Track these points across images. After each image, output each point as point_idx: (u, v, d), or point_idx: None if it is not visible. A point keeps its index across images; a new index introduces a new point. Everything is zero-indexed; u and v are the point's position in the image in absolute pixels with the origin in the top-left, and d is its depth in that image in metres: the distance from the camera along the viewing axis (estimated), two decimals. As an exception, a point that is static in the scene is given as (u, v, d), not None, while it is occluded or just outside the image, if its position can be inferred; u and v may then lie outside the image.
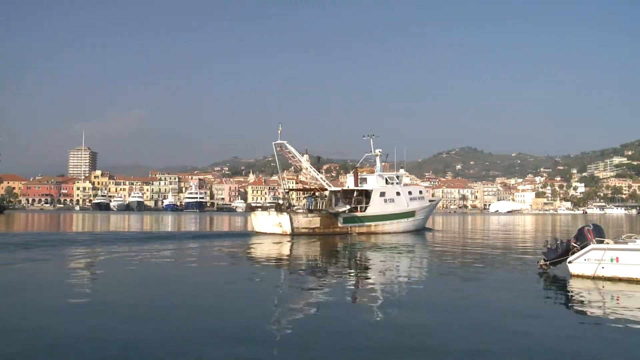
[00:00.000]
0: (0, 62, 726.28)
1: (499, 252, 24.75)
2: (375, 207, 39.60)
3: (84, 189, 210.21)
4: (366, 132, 44.51)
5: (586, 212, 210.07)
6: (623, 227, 61.10)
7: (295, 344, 8.15)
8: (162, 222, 65.64)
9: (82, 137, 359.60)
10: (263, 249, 26.33)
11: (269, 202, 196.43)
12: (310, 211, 37.73)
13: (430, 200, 48.32)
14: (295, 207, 39.10)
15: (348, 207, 38.41)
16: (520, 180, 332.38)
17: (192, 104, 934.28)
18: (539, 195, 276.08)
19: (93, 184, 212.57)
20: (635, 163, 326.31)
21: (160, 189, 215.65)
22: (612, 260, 14.15)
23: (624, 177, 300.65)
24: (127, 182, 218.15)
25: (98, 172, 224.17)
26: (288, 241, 30.52)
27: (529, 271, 16.68)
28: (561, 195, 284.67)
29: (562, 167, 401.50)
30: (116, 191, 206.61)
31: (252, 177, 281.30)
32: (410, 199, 42.34)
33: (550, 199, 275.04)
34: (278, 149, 40.61)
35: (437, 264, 20.21)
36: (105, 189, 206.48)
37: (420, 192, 45.47)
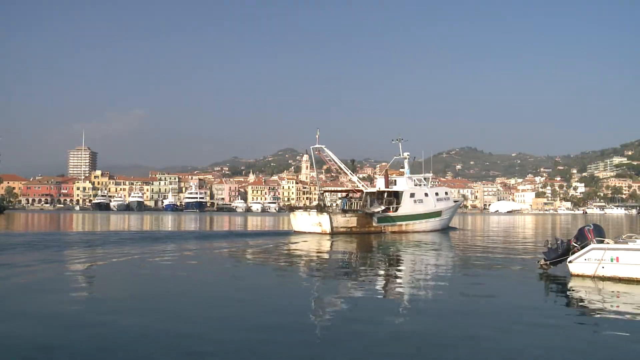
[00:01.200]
0: (1, 62, 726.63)
1: (509, 251, 24.96)
2: (406, 207, 41.87)
3: (84, 189, 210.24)
4: (394, 137, 46.93)
5: (586, 212, 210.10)
6: (623, 227, 61.11)
7: (329, 334, 8.86)
8: (168, 222, 65.65)
9: (82, 137, 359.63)
10: (309, 246, 27.96)
11: (268, 202, 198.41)
12: (345, 211, 39.90)
13: (454, 201, 50.61)
14: (331, 208, 41.60)
15: (382, 207, 40.53)
16: (520, 180, 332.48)
17: (192, 104, 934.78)
18: (539, 195, 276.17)
19: (93, 184, 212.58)
20: (635, 163, 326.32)
21: (160, 189, 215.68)
22: (612, 260, 14.14)
23: (624, 177, 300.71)
24: (127, 182, 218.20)
25: (98, 172, 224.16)
26: (328, 240, 32.49)
27: (529, 271, 16.70)
28: (561, 195, 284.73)
29: (562, 167, 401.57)
30: (116, 191, 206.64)
31: (252, 177, 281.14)
32: (437, 199, 44.65)
33: (550, 199, 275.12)
34: (316, 152, 42.81)
35: (446, 265, 20.30)
36: (105, 189, 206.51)
37: (446, 193, 48.05)
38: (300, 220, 40.04)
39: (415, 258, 22.38)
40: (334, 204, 46.59)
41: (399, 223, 41.25)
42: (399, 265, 19.90)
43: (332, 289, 13.82)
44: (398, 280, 15.77)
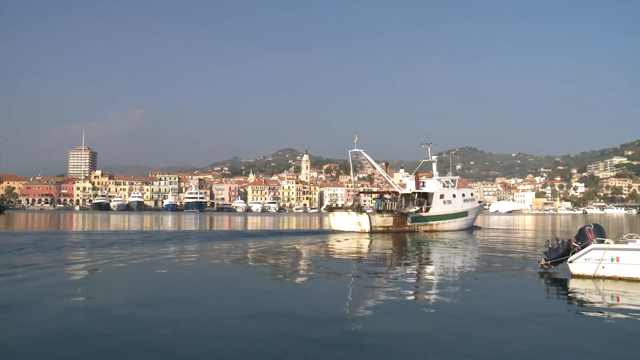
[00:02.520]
0: (1, 62, 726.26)
1: (527, 250, 25.55)
2: (437, 207, 44.27)
3: (84, 189, 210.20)
4: (423, 140, 50.39)
5: (586, 212, 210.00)
6: (623, 227, 61.09)
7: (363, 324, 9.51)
8: (169, 222, 65.62)
9: (82, 137, 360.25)
10: (353, 244, 29.48)
11: (268, 202, 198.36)
12: (379, 211, 42.23)
13: (478, 202, 52.45)
14: (364, 208, 43.97)
15: (417, 208, 43.00)
16: (520, 180, 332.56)
17: (192, 104, 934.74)
18: (539, 195, 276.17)
19: (93, 184, 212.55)
20: (635, 163, 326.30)
21: (160, 189, 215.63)
22: (612, 260, 14.14)
23: (624, 177, 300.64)
24: (127, 182, 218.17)
25: (98, 172, 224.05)
26: (368, 238, 34.19)
27: (529, 270, 16.72)
28: (561, 195, 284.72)
29: (562, 167, 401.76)
30: (116, 191, 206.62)
31: (252, 177, 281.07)
32: (464, 200, 47.09)
33: (550, 199, 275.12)
34: (354, 156, 45.31)
35: (469, 263, 20.41)
36: (105, 189, 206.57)
37: (472, 194, 50.19)
38: (339, 220, 42.22)
39: (443, 255, 23.84)
40: (362, 204, 49.20)
41: (430, 222, 43.59)
42: (430, 263, 21.01)
43: (370, 283, 14.76)
44: (428, 277, 16.43)
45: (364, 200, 54.30)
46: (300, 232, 41.87)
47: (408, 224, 42.26)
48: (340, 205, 44.49)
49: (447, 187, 47.11)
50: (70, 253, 21.27)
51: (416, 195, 44.55)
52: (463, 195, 47.40)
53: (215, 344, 7.98)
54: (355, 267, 18.98)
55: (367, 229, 39.86)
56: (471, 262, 20.80)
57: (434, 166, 48.83)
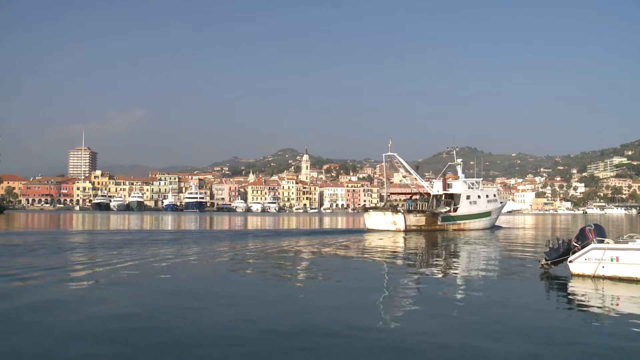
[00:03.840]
0: (1, 62, 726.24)
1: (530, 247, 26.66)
2: (464, 208, 46.62)
3: (84, 189, 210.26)
4: (450, 145, 53.39)
5: (586, 212, 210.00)
6: (623, 227, 61.12)
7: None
8: (169, 222, 65.64)
9: (82, 137, 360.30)
10: (392, 241, 31.33)
11: (268, 202, 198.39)
12: (410, 211, 44.24)
13: (500, 202, 54.69)
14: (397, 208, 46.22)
15: (447, 208, 45.54)
16: (520, 180, 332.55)
17: (192, 104, 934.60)
18: (539, 195, 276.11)
19: (93, 184, 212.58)
20: (635, 163, 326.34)
21: (160, 189, 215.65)
22: (612, 259, 14.15)
23: (624, 177, 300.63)
24: (127, 182, 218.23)
25: (98, 172, 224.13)
26: (403, 237, 36.02)
27: (529, 271, 16.76)
28: (561, 195, 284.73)
29: (562, 167, 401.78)
30: (116, 191, 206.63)
31: (252, 177, 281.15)
32: (488, 201, 49.74)
33: (550, 199, 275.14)
34: (389, 159, 48.71)
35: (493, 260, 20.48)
36: (105, 189, 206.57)
37: (494, 195, 52.74)
38: (374, 219, 44.48)
39: (469, 253, 25.34)
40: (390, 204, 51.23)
41: (458, 222, 45.88)
42: (458, 259, 22.68)
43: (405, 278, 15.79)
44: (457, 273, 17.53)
45: (395, 201, 57.01)
46: (336, 231, 43.62)
47: (439, 223, 44.52)
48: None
49: (472, 188, 49.28)
50: (90, 254, 21.25)
51: (444, 196, 46.93)
52: (487, 196, 50.08)
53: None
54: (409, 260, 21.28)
55: (402, 227, 42.22)
56: (483, 262, 21.01)
57: (459, 168, 51.71)
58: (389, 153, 48.10)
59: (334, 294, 12.70)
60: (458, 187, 48.15)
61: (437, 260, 21.32)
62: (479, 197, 48.56)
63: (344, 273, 16.71)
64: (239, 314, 10.00)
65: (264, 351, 7.60)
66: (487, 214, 49.11)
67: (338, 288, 13.65)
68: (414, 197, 48.10)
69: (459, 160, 52.15)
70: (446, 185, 48.36)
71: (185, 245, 25.44)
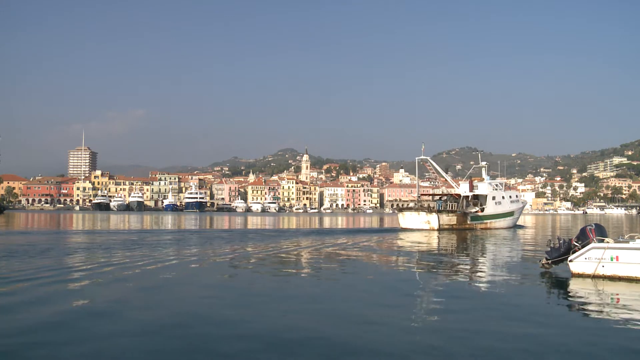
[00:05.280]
0: (1, 62, 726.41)
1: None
2: (490, 208, 49.60)
3: (84, 189, 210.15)
4: (475, 149, 55.60)
5: (586, 212, 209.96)
6: (623, 227, 61.14)
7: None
8: (169, 222, 65.62)
9: (82, 137, 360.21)
10: (430, 239, 33.66)
11: (268, 202, 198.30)
12: (440, 211, 46.74)
13: (521, 203, 57.24)
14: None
15: (476, 208, 48.51)
16: (520, 180, 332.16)
17: (192, 104, 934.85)
18: (539, 195, 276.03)
19: (93, 184, 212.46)
20: (635, 163, 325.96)
21: (160, 189, 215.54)
22: (612, 259, 14.19)
23: (624, 177, 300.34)
24: (127, 182, 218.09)
25: (98, 172, 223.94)
26: (438, 235, 38.20)
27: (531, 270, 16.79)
28: (561, 195, 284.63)
29: (562, 167, 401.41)
30: (116, 191, 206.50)
31: (252, 177, 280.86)
32: (510, 201, 52.50)
33: (550, 199, 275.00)
34: (422, 163, 52.59)
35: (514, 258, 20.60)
36: (105, 189, 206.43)
37: (517, 196, 55.67)
38: (408, 219, 47.31)
39: (495, 250, 26.93)
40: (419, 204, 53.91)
41: (485, 221, 48.77)
42: (485, 255, 24.54)
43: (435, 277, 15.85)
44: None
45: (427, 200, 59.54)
46: (372, 230, 45.45)
47: (468, 222, 47.43)
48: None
49: (497, 189, 51.74)
50: (107, 254, 21.29)
51: (471, 197, 49.73)
52: (510, 196, 52.76)
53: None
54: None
55: (436, 226, 44.98)
56: (496, 260, 21.89)
57: (484, 171, 54.46)
58: (422, 157, 51.98)
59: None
60: (484, 188, 50.71)
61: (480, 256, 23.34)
62: (503, 197, 51.07)
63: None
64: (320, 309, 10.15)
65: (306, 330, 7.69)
66: (510, 213, 51.78)
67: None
68: (442, 198, 51.19)
69: (484, 163, 54.65)
70: (472, 187, 51.12)
71: (239, 244, 26.89)
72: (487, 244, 29.98)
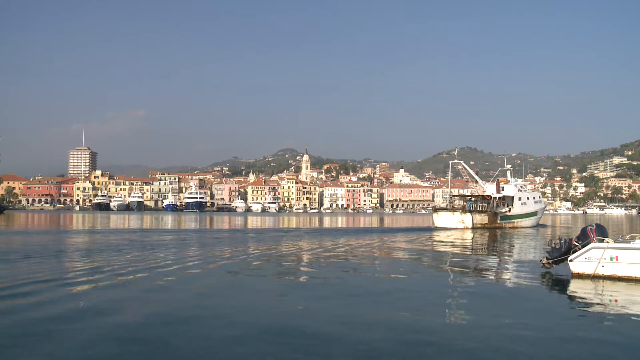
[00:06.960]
0: (1, 62, 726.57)
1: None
2: (517, 208, 52.68)
3: (84, 189, 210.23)
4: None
5: (586, 212, 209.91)
6: (623, 227, 61.14)
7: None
8: (169, 222, 65.61)
9: (82, 137, 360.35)
10: (464, 236, 35.93)
11: (268, 202, 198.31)
12: (471, 211, 49.75)
13: (544, 203, 60.49)
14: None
15: (505, 208, 51.60)
16: (520, 180, 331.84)
17: (191, 104, 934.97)
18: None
19: (93, 184, 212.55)
20: (635, 163, 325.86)
21: (160, 189, 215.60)
22: (612, 259, 14.18)
23: (624, 177, 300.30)
24: (127, 182, 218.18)
25: (98, 172, 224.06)
26: (471, 233, 40.69)
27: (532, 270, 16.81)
28: (561, 196, 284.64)
29: (562, 167, 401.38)
30: (116, 191, 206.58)
31: (252, 177, 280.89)
32: (535, 202, 55.49)
33: (550, 199, 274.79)
34: (455, 166, 58.20)
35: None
36: (105, 189, 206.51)
37: (539, 196, 58.80)
38: (443, 218, 50.15)
39: (520, 247, 28.57)
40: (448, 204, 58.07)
41: (513, 220, 51.56)
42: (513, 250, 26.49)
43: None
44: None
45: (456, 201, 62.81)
46: (409, 229, 46.87)
47: (498, 221, 50.31)
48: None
49: (522, 190, 54.51)
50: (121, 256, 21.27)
51: (498, 198, 52.72)
52: (534, 197, 55.70)
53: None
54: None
55: (470, 225, 47.86)
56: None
57: (509, 173, 58.07)
58: (455, 160, 56.85)
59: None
60: (510, 189, 53.62)
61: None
62: (527, 198, 54.06)
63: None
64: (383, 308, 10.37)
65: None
66: (534, 213, 54.83)
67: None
68: (472, 199, 54.30)
69: (509, 166, 58.22)
70: (499, 188, 54.09)
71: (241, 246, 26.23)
72: (514, 241, 32.29)
